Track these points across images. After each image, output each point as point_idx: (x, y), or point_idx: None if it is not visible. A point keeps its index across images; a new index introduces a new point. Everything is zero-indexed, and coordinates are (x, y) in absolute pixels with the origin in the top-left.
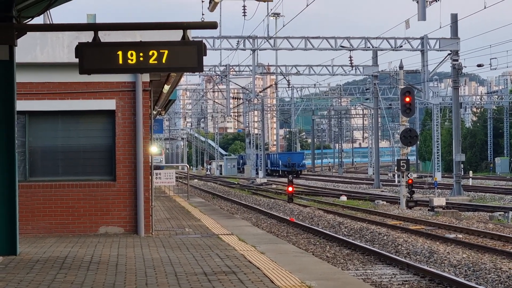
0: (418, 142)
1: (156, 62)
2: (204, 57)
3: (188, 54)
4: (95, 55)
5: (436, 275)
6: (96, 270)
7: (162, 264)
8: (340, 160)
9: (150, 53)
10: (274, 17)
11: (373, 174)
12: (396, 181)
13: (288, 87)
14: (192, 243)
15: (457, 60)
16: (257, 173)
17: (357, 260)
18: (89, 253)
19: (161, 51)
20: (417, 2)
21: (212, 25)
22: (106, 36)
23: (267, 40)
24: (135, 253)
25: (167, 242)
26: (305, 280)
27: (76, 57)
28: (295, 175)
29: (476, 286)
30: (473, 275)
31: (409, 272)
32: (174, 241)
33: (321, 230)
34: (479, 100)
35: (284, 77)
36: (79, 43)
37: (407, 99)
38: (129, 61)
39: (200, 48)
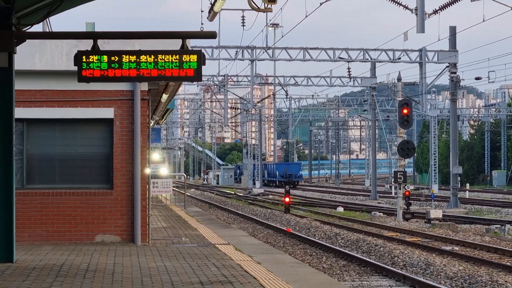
0: (415, 154)
1: None
2: (202, 66)
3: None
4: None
5: (432, 287)
6: (92, 278)
7: (158, 273)
8: (337, 171)
9: None
10: (273, 28)
11: (370, 185)
12: (393, 193)
13: (286, 97)
14: (189, 252)
15: (455, 73)
16: (254, 183)
17: (353, 271)
18: (86, 261)
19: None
20: (416, 14)
21: (212, 35)
22: (105, 45)
23: (266, 51)
24: (132, 262)
25: (163, 251)
26: None
27: (75, 65)
28: (292, 186)
29: None
30: None
31: (405, 284)
32: (170, 250)
33: (317, 241)
34: (477, 113)
35: (282, 88)
36: (78, 51)
37: (405, 111)
38: None
39: (199, 58)
